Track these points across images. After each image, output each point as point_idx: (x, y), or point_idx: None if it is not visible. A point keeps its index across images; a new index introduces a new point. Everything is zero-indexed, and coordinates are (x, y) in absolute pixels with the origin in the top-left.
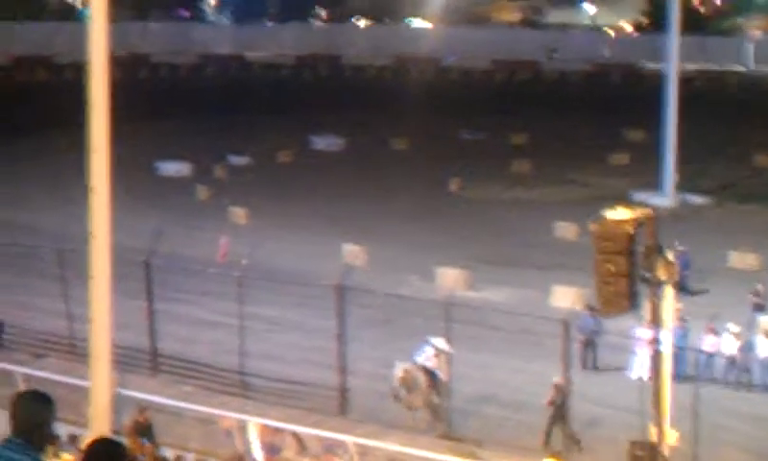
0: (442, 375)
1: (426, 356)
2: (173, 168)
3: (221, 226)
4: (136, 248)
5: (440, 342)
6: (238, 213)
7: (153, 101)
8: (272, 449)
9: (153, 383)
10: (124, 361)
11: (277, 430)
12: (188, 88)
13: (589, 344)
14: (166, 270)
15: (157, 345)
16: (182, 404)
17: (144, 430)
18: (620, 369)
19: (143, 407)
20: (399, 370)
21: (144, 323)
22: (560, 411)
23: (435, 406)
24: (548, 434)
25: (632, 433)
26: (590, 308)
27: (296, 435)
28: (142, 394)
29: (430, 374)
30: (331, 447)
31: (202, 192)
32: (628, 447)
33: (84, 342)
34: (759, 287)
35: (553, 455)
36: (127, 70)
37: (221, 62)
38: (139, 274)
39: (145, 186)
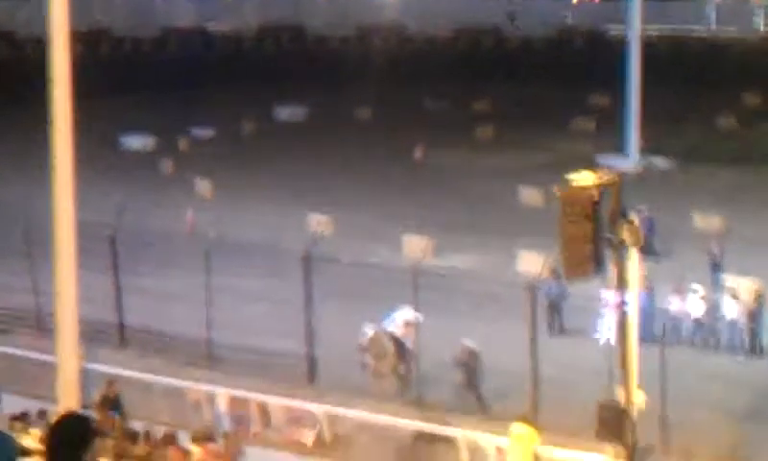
0: (410, 343)
1: (395, 325)
2: (136, 142)
3: (186, 198)
4: (101, 222)
5: (408, 312)
6: (203, 185)
7: (115, 75)
8: (240, 421)
9: (120, 357)
10: (91, 335)
11: (246, 401)
12: (151, 62)
13: (555, 308)
14: (132, 244)
15: (125, 318)
16: (151, 377)
17: (113, 404)
18: (587, 332)
19: (111, 381)
20: (367, 333)
21: (111, 297)
22: (472, 374)
23: (402, 374)
24: (477, 396)
25: (599, 396)
26: (556, 273)
27: (261, 407)
28: (110, 367)
29: (398, 342)
30: (298, 419)
31: (166, 165)
32: (596, 409)
33: (50, 317)
34: (714, 246)
35: (522, 418)
36: (88, 45)
37: (183, 35)
38: (105, 248)
39: (109, 161)
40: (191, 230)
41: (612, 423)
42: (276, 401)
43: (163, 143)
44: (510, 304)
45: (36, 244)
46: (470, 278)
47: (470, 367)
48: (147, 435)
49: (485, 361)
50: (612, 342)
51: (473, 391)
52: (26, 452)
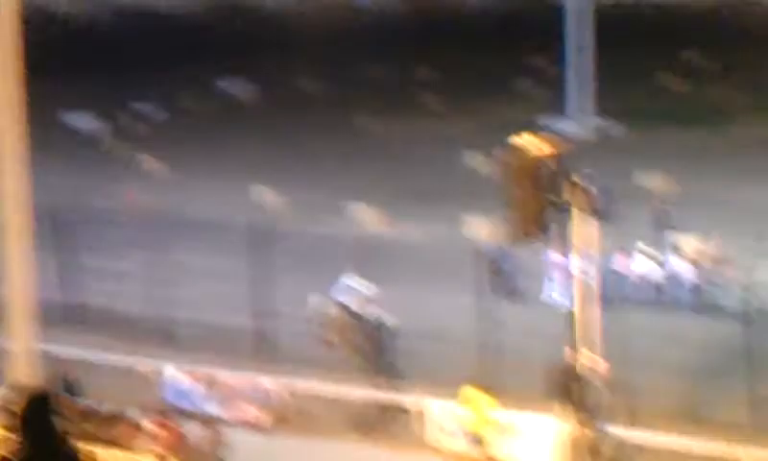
0: (359, 311)
1: (343, 294)
2: (80, 120)
3: (131, 175)
4: (46, 202)
5: (356, 281)
6: (148, 162)
7: (61, 54)
8: (190, 396)
9: (71, 337)
10: (42, 317)
11: (196, 376)
12: (98, 41)
13: (502, 272)
14: (77, 223)
15: (73, 298)
16: (102, 355)
17: (63, 382)
18: (534, 296)
19: (60, 360)
20: (313, 305)
21: (58, 277)
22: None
23: (354, 343)
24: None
25: (548, 358)
26: (501, 237)
27: (212, 381)
28: (61, 348)
29: (348, 311)
30: (248, 392)
31: (108, 142)
32: (545, 371)
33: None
34: (665, 205)
35: (472, 383)
36: (35, 24)
37: (131, 13)
38: (50, 228)
39: (53, 139)
40: (135, 206)
41: (562, 384)
42: (226, 375)
43: (106, 121)
44: (457, 270)
45: None
46: (418, 245)
47: (381, 336)
48: (99, 412)
49: (430, 328)
50: (560, 304)
51: (379, 361)
52: None
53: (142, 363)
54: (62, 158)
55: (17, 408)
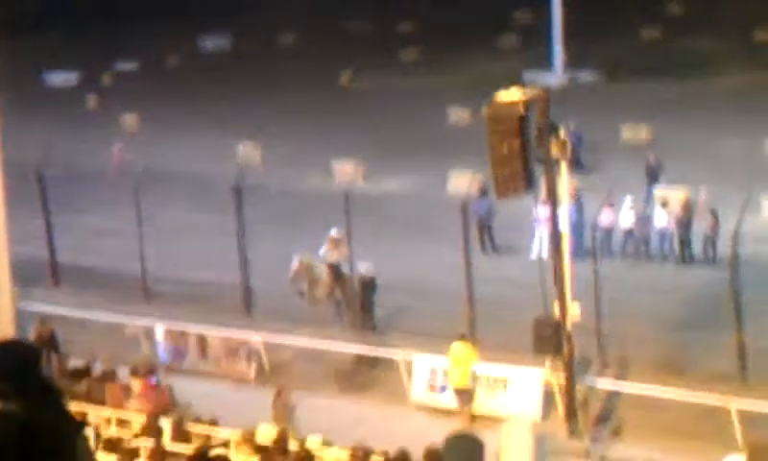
0: (343, 266)
1: (327, 249)
2: (60, 78)
3: (113, 134)
4: (28, 162)
5: (340, 235)
6: (130, 120)
7: (36, 12)
8: (177, 354)
9: (55, 295)
10: (24, 276)
11: (183, 334)
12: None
13: (486, 227)
14: (61, 182)
15: (57, 257)
16: (87, 314)
17: (48, 341)
18: (519, 250)
19: (44, 319)
20: (296, 261)
21: (42, 235)
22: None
23: (339, 298)
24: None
25: (535, 311)
26: (485, 191)
27: (200, 338)
28: (45, 306)
29: (331, 267)
30: (236, 349)
31: (91, 101)
32: (532, 324)
33: None
34: (651, 158)
35: (461, 337)
36: None
37: None
38: (34, 188)
39: (32, 99)
40: (119, 164)
41: (549, 337)
42: (213, 332)
43: (87, 79)
44: (442, 226)
45: None
46: (403, 200)
47: (367, 291)
48: (86, 371)
49: (416, 283)
50: (545, 257)
51: (368, 316)
52: None
53: (126, 320)
54: (46, 118)
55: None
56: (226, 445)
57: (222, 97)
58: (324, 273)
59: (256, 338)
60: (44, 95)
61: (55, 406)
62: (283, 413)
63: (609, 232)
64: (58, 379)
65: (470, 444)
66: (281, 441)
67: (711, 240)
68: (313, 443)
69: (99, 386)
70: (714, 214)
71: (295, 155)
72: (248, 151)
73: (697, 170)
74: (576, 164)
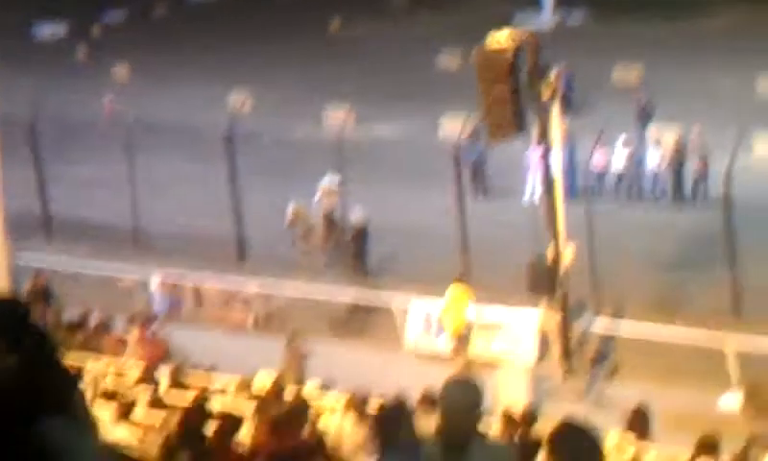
0: (337, 213)
1: (320, 197)
2: (48, 30)
3: (103, 85)
4: (18, 115)
5: (333, 183)
6: (119, 71)
7: None
8: (173, 304)
9: (48, 248)
10: (17, 229)
11: (178, 285)
12: None
13: (479, 171)
14: (52, 134)
15: (49, 210)
16: (81, 266)
17: (43, 294)
18: (511, 193)
19: (38, 272)
20: (290, 209)
21: (34, 188)
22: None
23: (333, 245)
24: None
25: (529, 254)
26: (477, 135)
27: (195, 287)
28: (39, 260)
29: (326, 214)
30: (230, 299)
31: (80, 52)
32: (526, 267)
33: None
34: (642, 98)
35: (457, 281)
36: None
37: None
38: (25, 141)
39: (20, 51)
40: (110, 116)
41: (544, 279)
42: (207, 283)
43: (75, 30)
44: (434, 171)
45: None
46: (395, 146)
47: (360, 237)
48: (82, 324)
49: (410, 229)
50: (537, 200)
51: (361, 262)
52: None
53: (120, 272)
54: (35, 70)
55: None
56: (223, 392)
57: (211, 47)
58: (318, 221)
59: (251, 287)
60: (33, 48)
61: (50, 360)
62: (295, 361)
63: (601, 174)
64: (53, 332)
65: (469, 388)
66: (277, 388)
67: (700, 180)
68: (310, 389)
69: (95, 338)
70: (703, 155)
71: (285, 103)
72: (238, 100)
73: (689, 110)
74: (567, 106)
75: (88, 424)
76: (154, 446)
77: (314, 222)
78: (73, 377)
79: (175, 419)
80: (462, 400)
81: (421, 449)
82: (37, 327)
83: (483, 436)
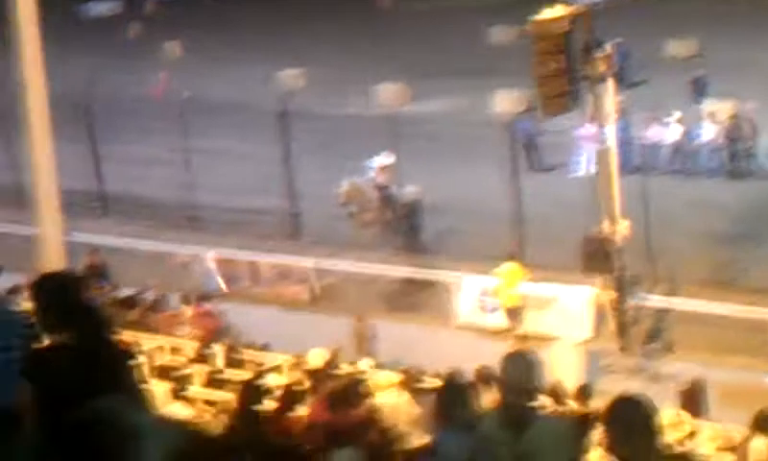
0: (390, 189)
1: (373, 173)
2: (100, 8)
3: (156, 62)
4: (72, 93)
5: (385, 159)
6: (173, 48)
7: None
8: (229, 279)
9: (103, 225)
10: (73, 206)
11: (233, 261)
12: None
13: (533, 146)
14: (106, 112)
15: (105, 187)
16: (136, 243)
17: (99, 272)
18: (566, 168)
19: (94, 249)
20: (345, 185)
21: (90, 167)
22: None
23: (386, 221)
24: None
25: (583, 230)
26: (531, 110)
27: (250, 264)
28: (94, 237)
29: (381, 189)
30: (285, 273)
31: (133, 30)
32: (581, 242)
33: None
34: (698, 71)
35: (509, 257)
36: None
37: None
38: (80, 119)
39: (73, 29)
40: (163, 93)
41: (598, 255)
42: (262, 259)
43: (128, 6)
44: (488, 146)
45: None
46: (447, 122)
47: (414, 214)
48: (137, 301)
49: (464, 205)
50: (592, 176)
51: (415, 238)
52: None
53: (175, 249)
54: (89, 48)
55: (43, 292)
56: (277, 369)
57: (262, 24)
58: (373, 196)
59: (306, 262)
60: (86, 26)
61: (102, 336)
62: (363, 342)
63: (655, 148)
64: (108, 309)
65: (528, 363)
66: (332, 365)
67: (760, 153)
68: (365, 366)
69: (150, 315)
70: (753, 127)
71: (337, 79)
72: (290, 77)
73: (743, 85)
74: (621, 81)
75: (143, 401)
76: (210, 422)
77: (369, 197)
78: (127, 354)
79: (233, 398)
80: (520, 375)
81: (479, 427)
82: (89, 303)
83: (540, 412)
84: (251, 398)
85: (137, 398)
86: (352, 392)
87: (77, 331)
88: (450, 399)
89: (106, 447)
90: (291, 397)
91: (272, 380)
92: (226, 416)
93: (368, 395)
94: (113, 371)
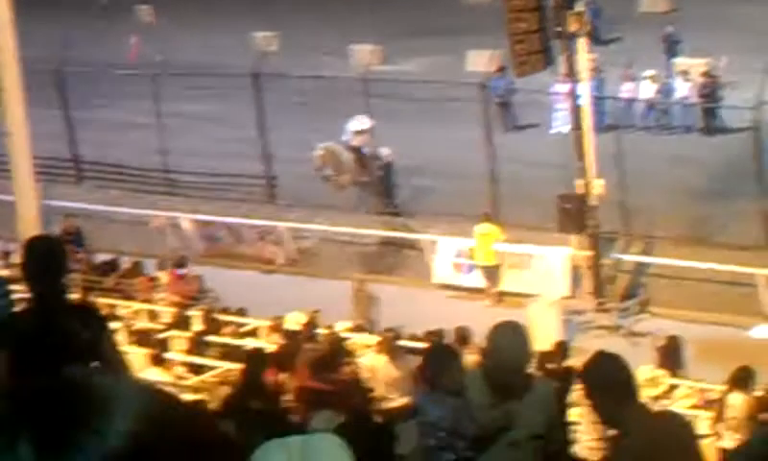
0: (366, 150)
1: (349, 134)
2: None
3: (128, 26)
4: (44, 57)
5: (361, 120)
6: (145, 11)
7: None
8: (210, 239)
9: (78, 191)
10: (47, 172)
11: (209, 223)
12: None
13: (506, 105)
14: (78, 76)
15: (79, 152)
16: (111, 208)
17: (73, 237)
18: (540, 127)
19: (69, 214)
20: (320, 149)
21: (63, 132)
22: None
23: (362, 182)
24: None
25: (558, 188)
26: (504, 70)
27: (227, 226)
28: (69, 202)
29: (356, 151)
30: (264, 233)
31: None
32: (556, 201)
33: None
34: (670, 29)
35: (485, 217)
36: None
37: None
38: (52, 83)
39: None
40: (135, 57)
41: (574, 213)
42: (238, 222)
43: None
44: (462, 106)
45: None
46: (421, 81)
47: (388, 175)
48: (113, 266)
49: (439, 165)
50: (566, 134)
51: (390, 199)
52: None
53: (152, 213)
54: (61, 14)
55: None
56: (253, 333)
57: None
58: (348, 159)
59: (282, 225)
60: None
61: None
62: (364, 305)
63: (630, 105)
64: (85, 274)
65: (518, 333)
66: (311, 328)
67: (734, 108)
68: (342, 328)
69: (126, 280)
70: (737, 82)
71: (311, 40)
72: (264, 40)
73: (717, 41)
74: (594, 38)
75: (117, 367)
76: (189, 389)
77: (344, 160)
78: (102, 320)
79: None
80: (512, 345)
81: (466, 392)
82: (65, 270)
83: (529, 377)
84: (256, 367)
85: (111, 364)
86: (334, 357)
87: (52, 296)
88: (437, 363)
89: (75, 415)
90: (270, 359)
91: (249, 344)
92: (228, 386)
93: (348, 358)
94: (87, 336)
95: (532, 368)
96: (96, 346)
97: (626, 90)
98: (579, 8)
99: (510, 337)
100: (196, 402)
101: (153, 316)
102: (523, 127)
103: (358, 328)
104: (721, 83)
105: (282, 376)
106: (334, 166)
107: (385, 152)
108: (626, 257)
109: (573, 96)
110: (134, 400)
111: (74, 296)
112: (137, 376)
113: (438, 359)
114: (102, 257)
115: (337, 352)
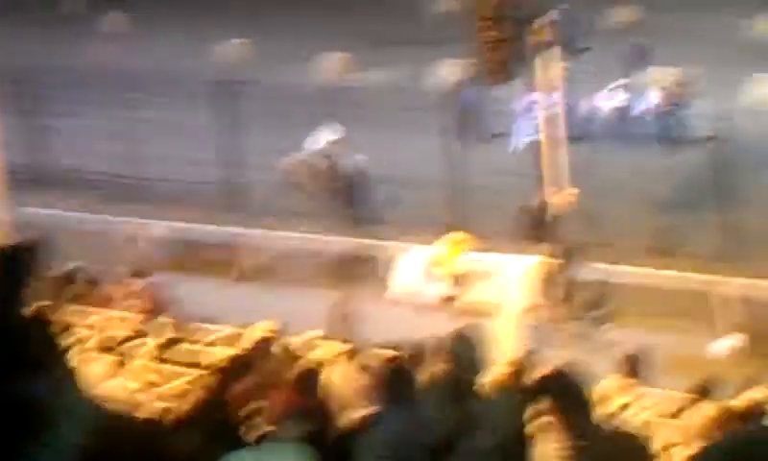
0: (331, 159)
1: (315, 143)
2: None
3: (98, 34)
4: (13, 67)
5: (327, 129)
6: (115, 19)
7: None
8: (169, 253)
9: (44, 199)
10: (15, 180)
11: (173, 235)
12: None
13: (476, 115)
14: (45, 84)
15: (46, 160)
16: (77, 217)
17: (39, 246)
18: (509, 137)
19: (31, 223)
20: (289, 160)
21: (30, 139)
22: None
23: (327, 191)
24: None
25: (525, 199)
26: (474, 80)
27: (187, 240)
28: (34, 210)
29: (319, 159)
30: (222, 249)
31: (70, 2)
32: (518, 211)
33: None
34: (637, 41)
35: (451, 228)
36: None
37: None
38: (17, 91)
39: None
40: (98, 65)
41: (537, 226)
42: (203, 229)
43: None
44: (428, 117)
45: None
46: (392, 92)
47: (359, 185)
48: (78, 275)
49: (406, 174)
50: (530, 146)
51: (359, 208)
52: None
53: (118, 223)
54: (22, 22)
55: None
56: (212, 344)
57: None
58: (318, 168)
59: (243, 233)
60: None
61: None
62: (343, 321)
63: (595, 117)
64: (48, 284)
65: (473, 341)
66: (277, 337)
67: (697, 119)
68: (301, 340)
69: (92, 289)
70: (701, 92)
71: (281, 48)
72: (234, 48)
73: (684, 53)
74: (570, 48)
75: (72, 381)
76: (149, 402)
77: (314, 170)
78: (55, 333)
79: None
80: (468, 352)
81: (423, 403)
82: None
83: (488, 386)
84: (219, 378)
85: (65, 377)
86: (315, 372)
87: (6, 308)
88: (393, 376)
89: (25, 428)
90: (234, 369)
91: (207, 357)
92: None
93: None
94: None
95: (494, 378)
96: (47, 360)
97: (594, 100)
98: (548, 19)
99: (466, 344)
100: (152, 416)
101: (117, 325)
102: (494, 137)
103: (326, 338)
104: (687, 93)
105: (244, 387)
106: (304, 176)
107: (355, 160)
108: (589, 268)
109: (538, 105)
110: (85, 414)
111: (30, 307)
112: (89, 391)
113: (394, 372)
114: (67, 266)
115: (315, 370)
